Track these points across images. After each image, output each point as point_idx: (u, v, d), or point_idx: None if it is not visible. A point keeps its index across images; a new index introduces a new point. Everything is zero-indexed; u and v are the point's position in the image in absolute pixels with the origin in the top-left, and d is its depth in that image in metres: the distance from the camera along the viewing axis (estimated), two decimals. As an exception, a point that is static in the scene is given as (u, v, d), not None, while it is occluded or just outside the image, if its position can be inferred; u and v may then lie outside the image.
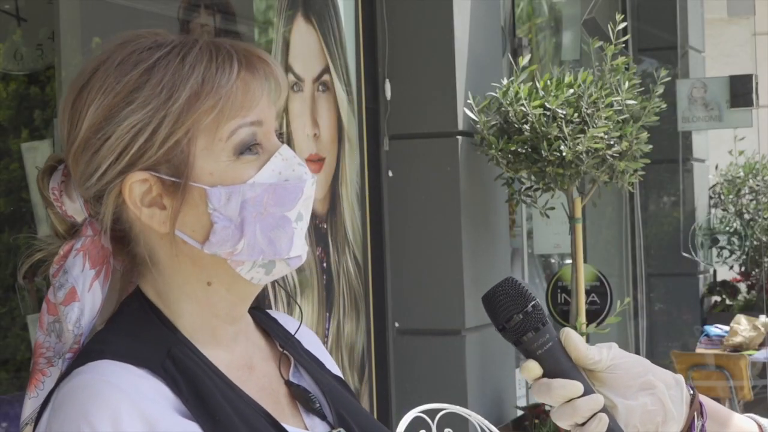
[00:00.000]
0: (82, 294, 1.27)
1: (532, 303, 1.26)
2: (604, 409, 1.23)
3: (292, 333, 1.44)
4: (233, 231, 1.25)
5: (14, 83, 5.15)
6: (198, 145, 1.25)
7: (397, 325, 5.09)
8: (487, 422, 4.35)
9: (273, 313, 1.47)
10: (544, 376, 1.25)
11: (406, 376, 5.06)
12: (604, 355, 1.26)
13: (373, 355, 4.92)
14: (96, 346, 1.25)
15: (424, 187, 5.01)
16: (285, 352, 1.40)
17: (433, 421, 4.12)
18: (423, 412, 4.13)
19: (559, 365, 1.25)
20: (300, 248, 1.29)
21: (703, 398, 1.31)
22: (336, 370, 1.48)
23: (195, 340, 1.29)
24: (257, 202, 1.25)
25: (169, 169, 1.25)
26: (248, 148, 1.26)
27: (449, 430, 4.16)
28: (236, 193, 1.25)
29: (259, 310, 1.44)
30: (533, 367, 1.25)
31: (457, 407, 4.30)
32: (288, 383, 1.37)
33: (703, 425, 1.29)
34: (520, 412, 5.46)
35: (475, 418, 4.33)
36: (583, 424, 1.23)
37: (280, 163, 1.28)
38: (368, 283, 4.86)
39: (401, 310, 5.10)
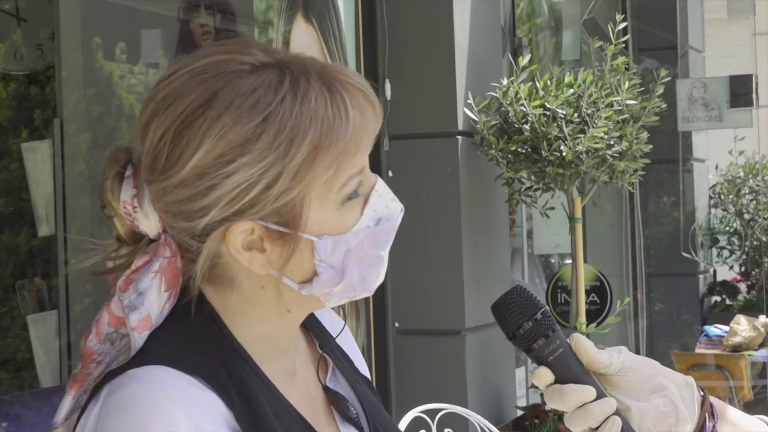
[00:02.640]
0: (156, 320, 1.23)
1: (542, 310, 1.26)
2: (617, 412, 1.24)
3: (333, 333, 1.40)
4: (334, 276, 1.23)
5: (14, 83, 5.15)
6: (311, 197, 1.20)
7: (397, 325, 5.09)
8: (487, 422, 4.35)
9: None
10: (556, 381, 1.25)
11: (406, 376, 5.06)
12: (614, 358, 1.27)
13: (373, 355, 4.93)
14: (153, 348, 1.21)
15: (424, 187, 5.01)
16: (324, 354, 1.37)
17: (433, 421, 4.12)
18: (423, 412, 4.13)
19: (570, 370, 1.25)
20: (383, 275, 1.29)
21: (713, 399, 1.32)
22: (364, 368, 1.46)
23: (251, 351, 1.26)
24: (359, 248, 1.24)
25: (279, 219, 1.20)
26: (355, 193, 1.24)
27: (449, 430, 4.16)
28: (342, 242, 1.22)
29: None
30: (545, 374, 1.25)
31: (457, 407, 4.30)
32: (325, 388, 1.35)
33: (714, 426, 1.29)
34: (520, 412, 5.46)
35: (475, 418, 4.33)
36: (597, 428, 1.23)
37: (377, 201, 1.26)
38: (368, 283, 4.85)
39: (401, 310, 5.10)
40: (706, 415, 1.29)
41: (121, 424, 1.15)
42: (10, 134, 5.07)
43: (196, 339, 1.23)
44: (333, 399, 1.34)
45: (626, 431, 1.24)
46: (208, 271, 1.24)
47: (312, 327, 1.39)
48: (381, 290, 5.05)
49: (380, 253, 1.26)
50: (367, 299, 4.83)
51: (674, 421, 1.26)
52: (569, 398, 1.23)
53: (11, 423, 4.10)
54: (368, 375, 1.46)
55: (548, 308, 1.28)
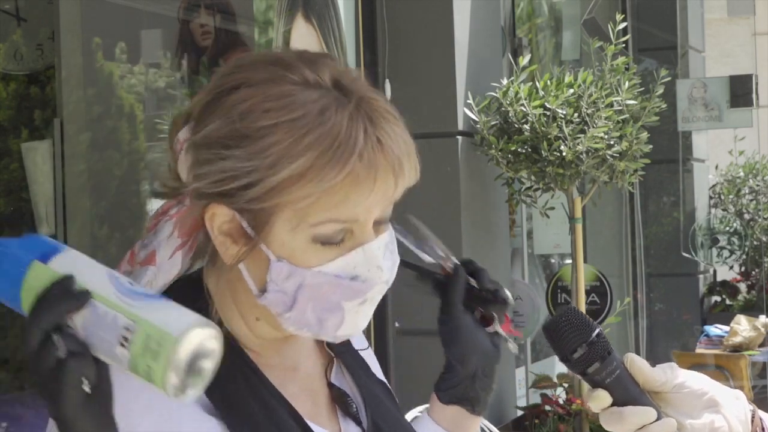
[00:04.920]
0: (161, 259, 1.25)
1: (596, 332, 1.23)
2: None
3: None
4: (284, 301, 1.23)
5: (14, 83, 5.15)
6: (283, 216, 1.20)
7: (397, 325, 5.09)
8: (487, 422, 4.35)
9: None
10: (613, 404, 1.23)
11: (406, 376, 5.06)
12: (668, 375, 1.25)
13: (373, 355, 4.92)
14: None
15: (424, 187, 5.00)
16: (331, 353, 1.38)
17: (433, 421, 4.12)
18: (423, 412, 4.13)
19: (628, 392, 1.23)
20: (351, 328, 1.26)
21: (762, 413, 1.31)
22: (380, 373, 1.46)
23: (243, 344, 1.28)
24: (315, 288, 1.22)
25: (250, 221, 1.21)
26: (337, 241, 1.21)
27: (449, 430, 4.15)
28: (297, 275, 1.21)
29: None
30: (604, 397, 1.23)
31: (457, 407, 4.30)
32: (330, 385, 1.36)
33: None
34: (520, 412, 5.46)
35: (475, 418, 4.32)
36: None
37: (359, 258, 1.23)
38: (368, 283, 4.85)
39: (401, 310, 5.10)
40: (757, 430, 1.28)
41: None
42: (10, 134, 5.08)
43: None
44: (335, 394, 1.35)
45: None
46: (212, 250, 1.27)
47: None
48: (381, 290, 5.04)
49: (342, 302, 1.23)
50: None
51: None
52: (629, 421, 1.22)
53: (11, 423, 4.10)
54: (385, 380, 1.47)
55: (602, 329, 1.25)
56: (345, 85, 1.23)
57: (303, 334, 1.26)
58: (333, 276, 1.21)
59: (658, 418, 1.22)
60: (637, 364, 1.25)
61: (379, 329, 5.00)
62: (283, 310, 1.23)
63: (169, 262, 1.26)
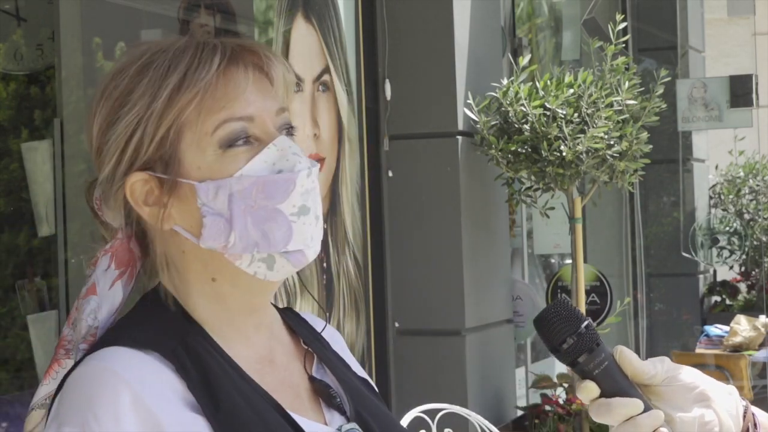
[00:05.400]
0: (102, 290, 1.32)
1: (585, 324, 1.25)
2: (664, 424, 1.23)
3: (326, 337, 1.46)
4: (224, 224, 1.26)
5: (14, 83, 5.15)
6: (185, 141, 1.27)
7: (397, 325, 5.09)
8: (487, 422, 4.35)
9: (303, 314, 1.48)
10: (601, 395, 1.24)
11: (406, 376, 5.06)
12: (658, 368, 1.26)
13: (373, 355, 4.92)
14: (110, 335, 1.29)
15: (424, 187, 5.01)
16: (309, 348, 1.41)
17: (433, 421, 4.12)
18: (423, 412, 4.13)
19: (616, 383, 1.24)
20: (300, 242, 1.28)
21: (755, 409, 1.31)
22: (362, 372, 1.49)
23: (214, 334, 1.31)
24: (245, 195, 1.26)
25: (162, 167, 1.28)
26: (241, 141, 1.27)
27: (449, 430, 4.16)
28: (224, 187, 1.26)
29: (289, 310, 1.45)
30: (592, 388, 1.24)
31: (457, 407, 4.30)
32: (311, 378, 1.38)
33: None
34: (520, 412, 5.46)
35: (475, 418, 4.33)
36: None
37: (274, 154, 1.28)
38: (368, 283, 4.86)
39: (401, 310, 5.10)
40: (749, 425, 1.29)
41: (72, 399, 1.23)
42: (10, 134, 5.07)
43: (155, 322, 1.29)
44: (317, 387, 1.37)
45: None
46: (153, 261, 1.33)
47: (298, 328, 1.43)
48: (381, 290, 5.05)
49: (276, 206, 1.26)
50: (367, 299, 4.83)
51: (718, 431, 1.25)
52: (617, 412, 1.23)
53: (11, 423, 4.10)
54: (368, 378, 1.49)
55: (591, 321, 1.26)
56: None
57: (257, 268, 1.28)
58: (256, 177, 1.26)
59: (646, 410, 1.23)
60: (627, 356, 1.26)
61: (379, 329, 5.00)
62: (225, 236, 1.26)
63: (110, 292, 1.32)
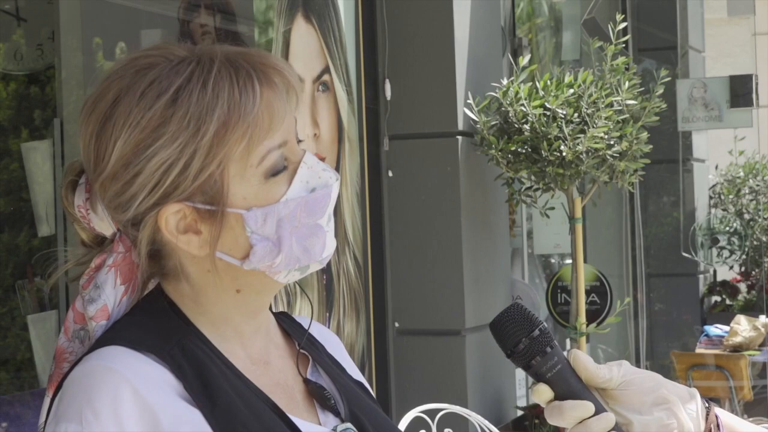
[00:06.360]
0: (113, 311, 1.32)
1: (539, 327, 1.26)
2: (616, 427, 1.24)
3: (316, 337, 1.47)
4: (271, 247, 1.28)
5: (14, 83, 5.15)
6: (230, 173, 1.27)
7: (397, 325, 5.09)
8: (487, 422, 4.35)
9: (298, 317, 1.49)
10: (555, 398, 1.25)
11: (406, 376, 5.06)
12: (614, 372, 1.27)
13: (373, 355, 4.92)
14: (107, 335, 1.30)
15: (424, 187, 5.01)
16: (303, 351, 1.42)
17: (433, 421, 4.12)
18: (423, 412, 4.13)
19: (569, 387, 1.26)
20: (331, 246, 1.33)
21: (719, 410, 1.32)
22: (358, 375, 1.50)
23: (212, 335, 1.32)
24: (292, 217, 1.29)
25: (204, 198, 1.28)
26: (281, 167, 1.29)
27: (449, 430, 4.16)
28: (271, 213, 1.28)
29: (284, 314, 1.47)
30: (544, 390, 1.26)
31: (457, 407, 4.30)
32: (306, 381, 1.39)
33: None
34: (520, 412, 5.46)
35: (475, 418, 4.33)
36: None
37: (306, 173, 1.30)
38: (368, 283, 4.86)
39: (401, 310, 5.10)
40: (711, 427, 1.29)
41: (71, 397, 1.24)
42: (10, 134, 5.07)
43: (153, 324, 1.30)
44: (312, 389, 1.38)
45: None
46: (158, 263, 1.33)
47: (293, 331, 1.45)
48: (381, 290, 5.05)
49: (317, 221, 1.30)
50: (367, 299, 4.83)
51: None
52: (568, 414, 1.24)
53: (11, 423, 4.10)
54: (363, 381, 1.50)
55: (546, 326, 1.28)
56: (198, 50, 1.31)
57: (291, 277, 1.32)
58: (299, 198, 1.29)
59: (598, 413, 1.23)
60: (581, 360, 1.27)
61: (379, 329, 5.00)
62: (272, 257, 1.28)
63: (118, 308, 1.33)
